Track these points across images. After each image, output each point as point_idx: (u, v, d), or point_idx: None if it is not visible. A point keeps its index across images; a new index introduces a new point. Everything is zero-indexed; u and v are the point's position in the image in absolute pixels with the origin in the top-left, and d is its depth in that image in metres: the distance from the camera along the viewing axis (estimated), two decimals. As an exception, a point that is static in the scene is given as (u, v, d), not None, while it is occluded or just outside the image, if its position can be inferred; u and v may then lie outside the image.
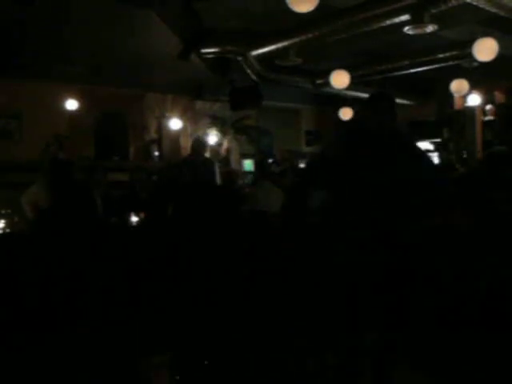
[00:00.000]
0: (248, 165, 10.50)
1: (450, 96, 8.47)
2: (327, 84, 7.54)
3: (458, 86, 7.51)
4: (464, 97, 8.65)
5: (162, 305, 4.95)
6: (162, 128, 9.54)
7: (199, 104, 9.82)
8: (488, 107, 8.97)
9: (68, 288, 4.79)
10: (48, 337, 4.22)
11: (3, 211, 5.51)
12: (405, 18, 5.16)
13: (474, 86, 7.98)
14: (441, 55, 6.90)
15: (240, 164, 10.39)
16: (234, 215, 5.73)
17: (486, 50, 5.83)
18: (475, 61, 6.29)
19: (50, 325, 4.39)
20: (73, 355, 3.86)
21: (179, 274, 5.33)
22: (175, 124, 9.40)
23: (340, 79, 7.22)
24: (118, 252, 5.31)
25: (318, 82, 8.19)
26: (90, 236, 5.18)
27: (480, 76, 7.49)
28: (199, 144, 6.44)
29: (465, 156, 9.19)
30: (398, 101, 9.49)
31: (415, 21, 5.04)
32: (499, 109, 8.89)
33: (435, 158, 9.97)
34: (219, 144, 9.84)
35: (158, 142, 9.57)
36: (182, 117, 9.55)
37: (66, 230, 5.07)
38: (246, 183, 8.84)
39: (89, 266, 5.00)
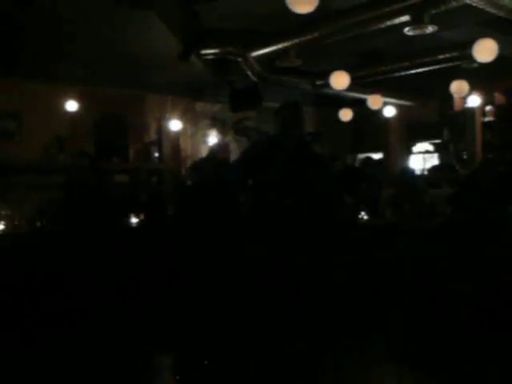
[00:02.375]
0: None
1: (449, 97, 8.48)
2: (327, 85, 7.54)
3: (458, 86, 7.51)
4: (464, 98, 8.65)
5: (162, 305, 4.95)
6: (161, 129, 9.54)
7: (199, 105, 9.82)
8: (488, 108, 8.97)
9: (70, 287, 4.80)
10: (48, 336, 4.22)
11: (3, 212, 5.50)
12: (405, 18, 5.16)
13: (474, 87, 7.98)
14: (441, 56, 6.89)
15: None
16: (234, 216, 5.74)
17: (485, 50, 5.83)
18: (475, 62, 6.29)
19: (51, 325, 4.39)
20: (73, 355, 3.86)
21: (180, 274, 5.33)
22: (175, 125, 9.39)
23: (340, 80, 7.21)
24: (119, 252, 5.32)
25: (318, 83, 8.19)
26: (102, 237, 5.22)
27: (480, 77, 7.49)
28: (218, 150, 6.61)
29: (465, 157, 9.20)
30: (399, 102, 9.51)
31: (415, 22, 5.05)
32: (499, 110, 8.89)
33: (435, 159, 10.00)
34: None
35: (158, 144, 9.56)
36: (181, 118, 9.54)
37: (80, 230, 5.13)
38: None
39: (94, 265, 5.03)
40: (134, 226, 5.90)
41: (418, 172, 9.15)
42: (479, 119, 9.07)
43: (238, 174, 4.25)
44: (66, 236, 5.15)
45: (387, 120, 10.01)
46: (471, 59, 6.25)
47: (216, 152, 6.56)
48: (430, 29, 5.08)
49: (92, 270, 4.98)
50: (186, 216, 5.97)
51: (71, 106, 8.14)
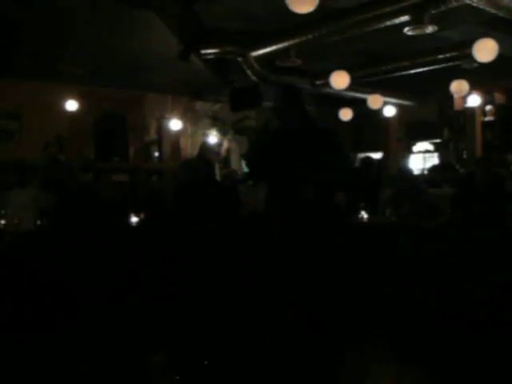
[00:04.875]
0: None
1: (450, 97, 8.47)
2: (327, 85, 7.55)
3: (458, 86, 7.51)
4: (464, 97, 8.65)
5: (162, 304, 4.96)
6: (161, 129, 9.54)
7: (199, 105, 9.82)
8: (488, 108, 8.97)
9: (69, 287, 4.80)
10: (48, 336, 4.22)
11: (3, 211, 5.51)
12: (405, 18, 5.16)
13: (474, 86, 7.98)
14: (441, 56, 6.89)
15: (240, 164, 10.39)
16: (232, 216, 5.76)
17: (485, 50, 5.83)
18: (475, 61, 6.29)
19: (50, 324, 4.39)
20: (73, 354, 3.87)
21: (179, 274, 5.34)
22: (175, 125, 9.40)
23: (340, 80, 7.22)
24: (118, 251, 5.32)
25: (318, 82, 8.19)
26: (92, 236, 5.22)
27: (480, 77, 7.49)
28: (207, 149, 6.66)
29: (465, 156, 9.20)
30: (399, 101, 9.51)
31: (415, 22, 5.05)
32: (499, 109, 8.89)
33: (435, 159, 10.00)
34: (219, 144, 9.84)
35: (158, 143, 9.57)
36: (182, 117, 9.55)
37: (68, 230, 5.14)
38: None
39: (90, 265, 5.03)
40: (131, 224, 5.92)
41: (416, 171, 9.16)
42: (479, 119, 9.07)
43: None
44: (58, 235, 5.16)
45: (387, 119, 10.00)
46: (471, 59, 6.25)
47: (205, 151, 6.59)
48: (429, 29, 5.08)
49: (82, 269, 4.99)
50: (178, 213, 6.00)
51: (71, 105, 8.15)
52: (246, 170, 10.32)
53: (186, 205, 5.88)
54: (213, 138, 9.70)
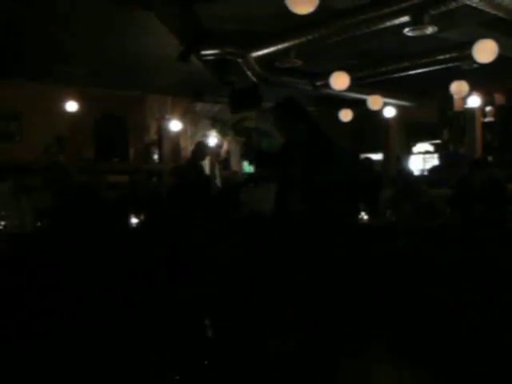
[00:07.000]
0: (247, 166, 10.51)
1: (449, 97, 8.48)
2: (327, 86, 7.55)
3: (458, 87, 7.51)
4: (464, 98, 8.66)
5: (161, 305, 4.96)
6: (161, 130, 9.56)
7: (199, 106, 9.83)
8: (488, 109, 8.98)
9: (69, 288, 4.80)
10: (47, 336, 4.23)
11: (3, 213, 5.50)
12: (405, 19, 5.17)
13: (474, 87, 7.99)
14: (441, 57, 6.89)
15: (240, 165, 10.41)
16: (226, 216, 5.78)
17: (485, 51, 5.83)
18: (475, 62, 6.29)
19: (50, 324, 4.39)
20: (73, 354, 3.87)
21: (178, 275, 5.34)
22: (175, 126, 9.42)
23: (340, 81, 7.22)
24: (118, 252, 5.33)
25: (318, 83, 8.19)
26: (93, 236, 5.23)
27: (480, 77, 7.50)
28: (200, 149, 6.70)
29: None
30: (399, 102, 9.52)
31: (415, 22, 5.05)
32: (499, 110, 8.90)
33: (435, 160, 10.01)
34: (219, 146, 9.86)
35: (158, 144, 9.59)
36: (182, 118, 9.56)
37: (69, 230, 5.15)
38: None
39: (90, 265, 5.04)
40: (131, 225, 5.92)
41: (416, 172, 9.16)
42: (479, 119, 9.08)
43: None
44: (58, 236, 5.17)
45: (387, 120, 10.01)
46: (471, 60, 6.25)
47: (198, 152, 6.66)
48: (429, 29, 5.08)
49: (82, 270, 5.00)
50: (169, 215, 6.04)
51: (71, 106, 8.16)
52: (247, 170, 10.36)
53: (175, 207, 5.93)
54: (213, 138, 9.70)
